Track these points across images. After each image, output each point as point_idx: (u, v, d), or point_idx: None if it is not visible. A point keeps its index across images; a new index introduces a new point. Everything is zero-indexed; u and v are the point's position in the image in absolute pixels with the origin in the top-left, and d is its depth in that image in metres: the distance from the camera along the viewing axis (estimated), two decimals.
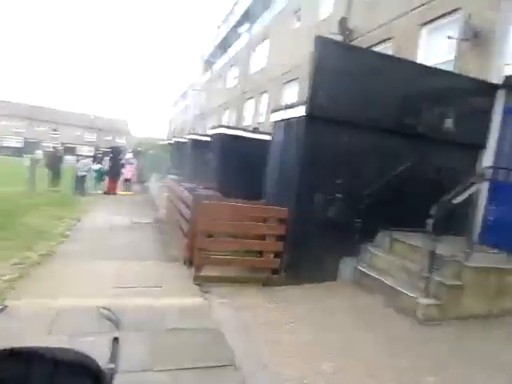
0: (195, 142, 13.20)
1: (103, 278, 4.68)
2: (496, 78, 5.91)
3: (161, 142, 24.57)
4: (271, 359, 3.14)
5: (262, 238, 5.31)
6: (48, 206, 9.63)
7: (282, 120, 5.97)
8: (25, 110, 51.74)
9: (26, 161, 14.41)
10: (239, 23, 22.19)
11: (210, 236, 5.22)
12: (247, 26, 21.14)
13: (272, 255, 5.28)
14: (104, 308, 1.12)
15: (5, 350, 0.74)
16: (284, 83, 14.90)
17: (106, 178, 14.96)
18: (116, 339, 0.99)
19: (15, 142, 51.78)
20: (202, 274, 4.90)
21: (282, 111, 6.05)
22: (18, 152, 47.66)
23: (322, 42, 5.17)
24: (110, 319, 1.07)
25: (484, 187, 5.54)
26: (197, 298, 4.30)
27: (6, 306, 0.91)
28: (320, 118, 5.22)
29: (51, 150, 13.98)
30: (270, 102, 15.15)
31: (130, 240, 6.99)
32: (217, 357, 3.06)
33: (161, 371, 2.77)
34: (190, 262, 5.37)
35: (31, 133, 50.36)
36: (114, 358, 0.95)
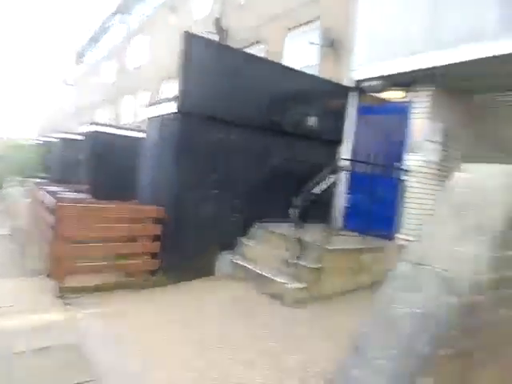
0: (65, 141, 11.99)
1: None
2: (349, 81, 6.68)
3: (26, 142, 21.68)
4: (142, 365, 3.00)
5: (135, 239, 5.07)
6: None
7: (156, 116, 5.78)
8: None
9: None
10: (114, 14, 20.84)
11: (76, 243, 4.77)
12: (122, 17, 19.96)
13: (148, 257, 5.09)
14: None
15: None
16: (162, 80, 14.53)
17: None
18: None
19: None
20: (66, 285, 4.45)
21: (155, 107, 5.87)
22: None
23: (189, 38, 5.14)
24: None
25: (342, 178, 6.22)
26: (58, 313, 3.87)
27: None
28: (191, 114, 5.20)
29: None
30: (150, 99, 14.62)
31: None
32: (78, 373, 2.80)
33: None
34: (55, 274, 4.82)
35: None
36: None
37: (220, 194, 5.50)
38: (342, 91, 6.73)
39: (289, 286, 4.32)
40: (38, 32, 47.15)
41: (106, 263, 4.91)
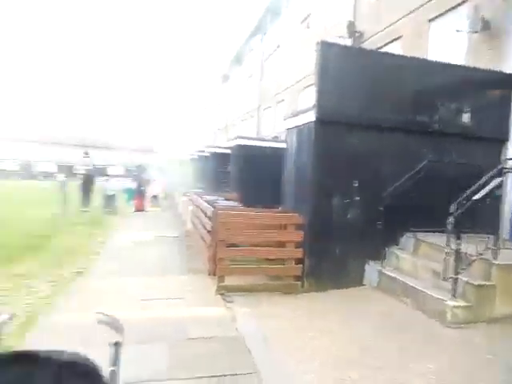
0: (215, 155, 13.44)
1: (131, 292, 4.85)
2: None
3: (185, 158, 25.14)
4: (296, 367, 3.14)
5: (282, 245, 5.35)
6: (80, 226, 10.04)
7: (295, 126, 6.03)
8: (57, 134, 54.30)
9: (57, 184, 15.11)
10: (252, 35, 22.59)
11: (231, 246, 5.31)
12: (259, 36, 21.47)
13: (293, 262, 5.30)
14: (105, 314, 1.19)
15: (9, 353, 0.84)
16: (299, 91, 14.99)
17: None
18: (117, 344, 1.08)
19: (48, 167, 54.36)
20: (224, 283, 4.99)
21: (293, 118, 6.12)
22: (50, 176, 49.98)
23: (323, 47, 5.22)
24: (111, 325, 1.15)
25: (510, 181, 5.36)
26: (220, 308, 4.38)
27: (13, 314, 0.99)
28: (329, 122, 5.24)
29: (83, 172, 14.64)
30: (287, 111, 15.28)
31: (157, 255, 7.19)
32: (239, 365, 3.11)
33: (178, 379, 2.85)
34: (213, 273, 5.47)
35: (64, 157, 52.78)
36: (114, 361, 1.03)
37: (362, 200, 5.38)
38: (505, 80, 5.82)
39: (449, 303, 3.91)
40: (186, 56, 54.29)
41: (255, 266, 5.32)
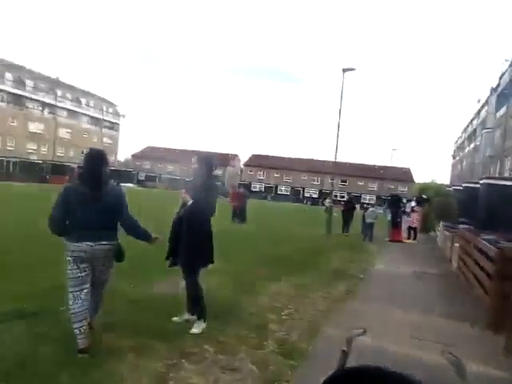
0: (491, 187, 11.57)
1: (399, 325, 4.74)
2: None
3: (446, 188, 22.93)
4: None
5: None
6: (340, 249, 10.82)
7: None
8: (319, 164, 61.31)
9: (323, 208, 16.91)
10: None
11: None
12: None
13: None
14: (451, 353, 1.13)
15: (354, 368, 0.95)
16: None
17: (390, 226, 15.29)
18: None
19: (312, 193, 61.96)
20: None
21: None
22: (314, 201, 56.63)
23: None
24: (456, 367, 1.09)
25: None
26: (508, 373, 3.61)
27: (365, 330, 1.11)
28: None
29: (345, 199, 15.93)
30: None
31: (418, 290, 6.80)
32: None
33: None
34: (495, 326, 4.63)
35: (325, 184, 58.96)
36: None
37: None
38: None
39: None
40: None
41: None
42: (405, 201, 18.74)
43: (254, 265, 7.31)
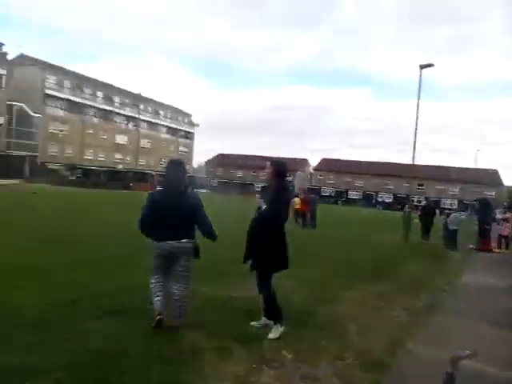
0: None
1: (486, 342, 4.28)
2: None
3: None
4: None
5: None
6: (421, 258, 10.12)
7: None
8: (393, 167, 58.27)
9: (399, 214, 16.00)
10: None
11: None
12: None
13: None
14: None
15: None
16: None
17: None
18: None
19: (386, 198, 59.10)
20: None
21: None
22: (388, 206, 53.98)
23: None
24: None
25: None
26: None
27: (475, 353, 1.00)
28: None
29: (424, 203, 14.91)
30: None
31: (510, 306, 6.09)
32: None
33: None
34: None
35: (400, 188, 55.93)
36: None
37: None
38: None
39: None
40: None
41: None
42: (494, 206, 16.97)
43: (329, 271, 7.15)
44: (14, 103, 37.99)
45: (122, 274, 5.50)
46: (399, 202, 50.73)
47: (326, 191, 62.58)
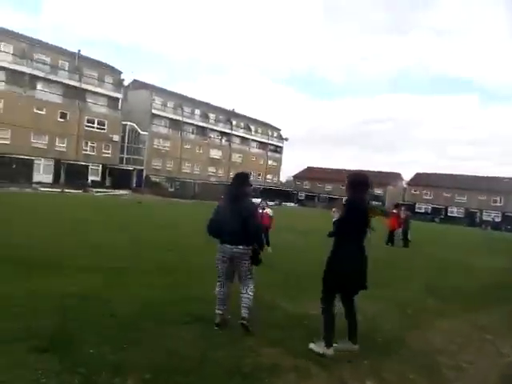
0: None
1: None
2: None
3: None
4: None
5: None
6: None
7: None
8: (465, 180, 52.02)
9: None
10: None
11: None
12: None
13: None
14: None
15: None
16: None
17: None
18: None
19: (494, 216, 52.41)
20: None
21: None
22: (496, 226, 47.91)
23: None
24: None
25: None
26: None
27: None
28: None
29: None
30: None
31: None
32: None
33: None
34: None
35: (473, 202, 50.18)
36: None
37: None
38: None
39: None
40: None
41: None
42: None
43: (422, 295, 6.54)
44: (127, 123, 43.04)
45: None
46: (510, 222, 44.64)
47: (422, 208, 57.83)
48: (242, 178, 4.14)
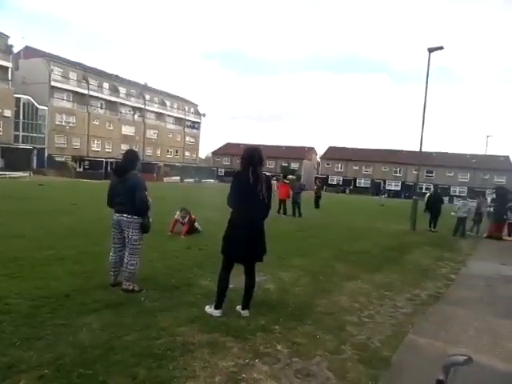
0: None
1: (498, 334, 4.13)
2: None
3: None
4: None
5: None
6: (427, 246, 9.93)
7: None
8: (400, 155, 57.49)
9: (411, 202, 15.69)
10: None
11: None
12: None
13: None
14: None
15: None
16: None
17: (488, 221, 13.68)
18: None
19: (394, 186, 58.45)
20: None
21: None
22: (395, 194, 53.48)
23: None
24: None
25: None
26: None
27: (469, 358, 0.92)
28: None
29: (430, 191, 14.62)
30: None
31: None
32: None
33: None
34: None
35: (408, 176, 55.28)
36: None
37: None
38: None
39: None
40: None
41: None
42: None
43: (332, 261, 7.01)
44: (21, 96, 38.09)
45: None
46: (408, 190, 50.24)
47: (334, 180, 62.08)
48: (129, 155, 4.63)
